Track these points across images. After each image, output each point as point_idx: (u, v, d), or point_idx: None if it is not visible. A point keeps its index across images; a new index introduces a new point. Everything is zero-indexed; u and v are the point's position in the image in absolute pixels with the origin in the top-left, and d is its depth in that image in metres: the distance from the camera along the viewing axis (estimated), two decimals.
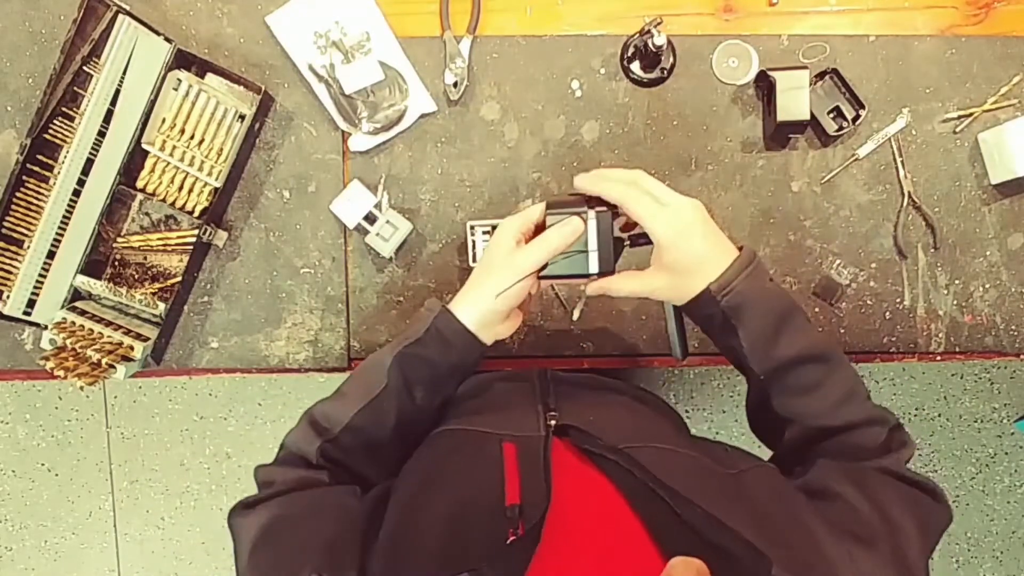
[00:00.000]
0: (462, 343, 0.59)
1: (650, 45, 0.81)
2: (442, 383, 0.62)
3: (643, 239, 0.59)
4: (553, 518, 0.42)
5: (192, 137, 0.82)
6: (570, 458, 0.51)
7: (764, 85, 0.85)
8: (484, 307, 0.58)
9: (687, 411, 1.93)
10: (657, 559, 0.40)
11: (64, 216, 0.80)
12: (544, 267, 0.57)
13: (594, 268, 0.57)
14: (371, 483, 0.56)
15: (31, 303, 0.81)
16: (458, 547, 0.43)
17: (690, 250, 0.54)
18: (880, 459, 0.55)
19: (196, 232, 0.83)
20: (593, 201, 0.57)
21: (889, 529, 0.48)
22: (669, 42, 0.84)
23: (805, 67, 0.82)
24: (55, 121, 0.79)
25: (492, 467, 0.49)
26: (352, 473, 0.59)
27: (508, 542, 0.42)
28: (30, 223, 0.80)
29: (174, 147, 0.82)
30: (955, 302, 0.89)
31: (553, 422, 0.57)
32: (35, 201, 0.80)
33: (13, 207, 0.79)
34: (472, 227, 0.84)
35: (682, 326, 0.63)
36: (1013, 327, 0.89)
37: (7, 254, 0.80)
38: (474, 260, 0.83)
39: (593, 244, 0.57)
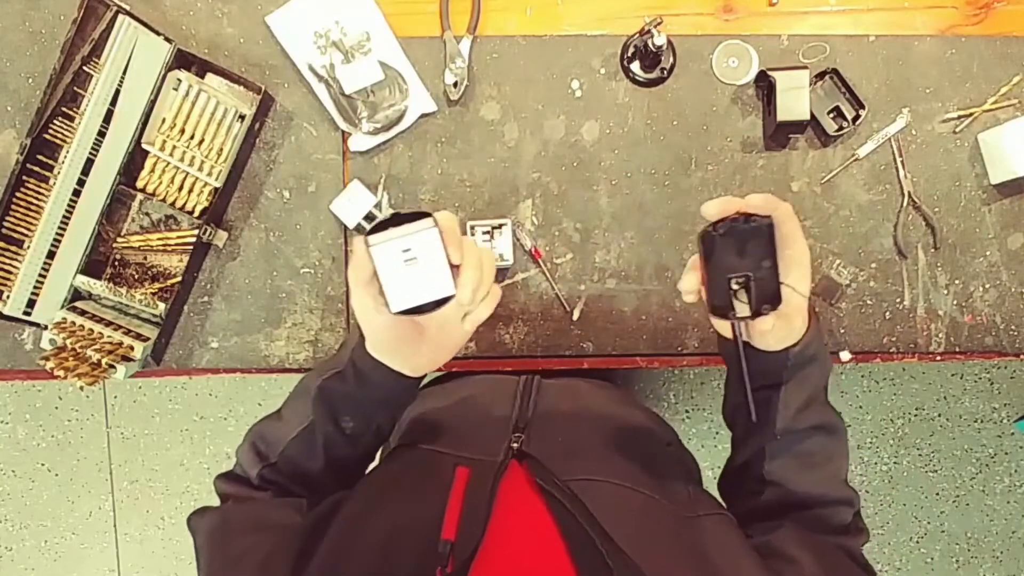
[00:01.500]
0: (380, 378, 0.53)
1: (650, 45, 0.81)
2: (371, 414, 0.57)
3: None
4: (482, 559, 0.43)
5: (192, 137, 0.82)
6: (523, 487, 0.52)
7: (764, 85, 0.85)
8: (378, 337, 0.51)
9: (687, 411, 1.93)
10: None
11: (64, 216, 0.80)
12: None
13: (447, 290, 0.45)
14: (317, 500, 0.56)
15: (31, 303, 0.81)
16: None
17: (804, 299, 0.51)
18: (843, 538, 0.56)
19: (196, 232, 0.83)
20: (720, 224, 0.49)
21: None
22: (669, 42, 0.84)
23: (805, 67, 0.82)
24: (55, 121, 0.79)
25: (439, 493, 0.49)
26: (293, 495, 0.59)
27: None
28: (30, 223, 0.80)
29: (174, 147, 0.82)
30: (955, 302, 0.89)
31: (516, 444, 0.58)
32: (35, 201, 0.80)
33: (13, 207, 0.79)
34: (472, 227, 0.84)
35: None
36: (1013, 327, 0.89)
37: (7, 254, 0.80)
38: None
39: (441, 260, 0.44)
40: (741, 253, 0.48)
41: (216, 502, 0.59)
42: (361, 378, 0.54)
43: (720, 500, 0.61)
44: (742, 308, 0.49)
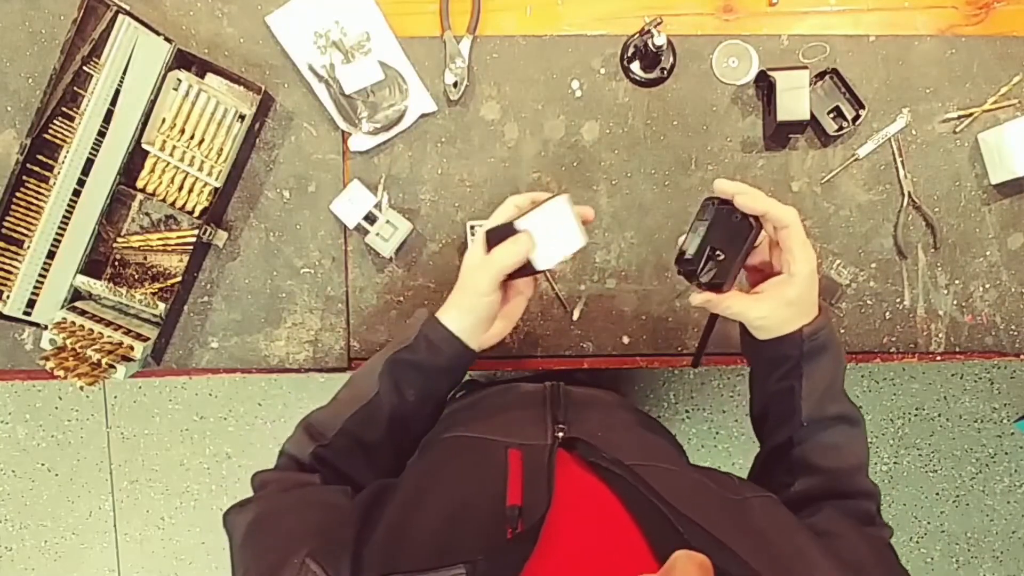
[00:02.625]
0: (450, 349, 0.61)
1: (650, 45, 0.81)
2: (433, 386, 0.63)
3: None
4: (553, 521, 0.42)
5: (192, 137, 0.82)
6: (575, 469, 0.52)
7: (764, 85, 0.85)
8: (469, 313, 0.60)
9: (687, 411, 1.93)
10: (655, 569, 0.40)
11: (64, 216, 0.80)
12: (526, 267, 0.58)
13: (580, 242, 0.59)
14: (362, 485, 0.57)
15: (31, 303, 0.81)
16: (455, 540, 0.43)
17: (812, 290, 0.56)
18: (871, 528, 0.58)
19: (196, 232, 0.83)
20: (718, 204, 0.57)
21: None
22: (669, 42, 0.84)
23: (805, 67, 0.82)
24: (55, 121, 0.79)
25: (496, 470, 0.50)
26: (343, 476, 0.60)
27: (504, 541, 0.42)
28: (30, 223, 0.80)
29: (174, 147, 0.82)
30: (955, 302, 0.89)
31: (561, 434, 0.59)
32: (35, 201, 0.80)
33: (13, 207, 0.79)
34: (472, 227, 0.84)
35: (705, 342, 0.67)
36: (1013, 327, 0.89)
37: (7, 254, 0.80)
38: None
39: (572, 223, 0.58)
40: (722, 235, 0.56)
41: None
42: (432, 348, 0.61)
43: None
44: (704, 276, 0.57)
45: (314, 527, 0.48)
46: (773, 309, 0.56)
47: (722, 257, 0.56)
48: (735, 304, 0.57)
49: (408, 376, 0.61)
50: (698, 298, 0.59)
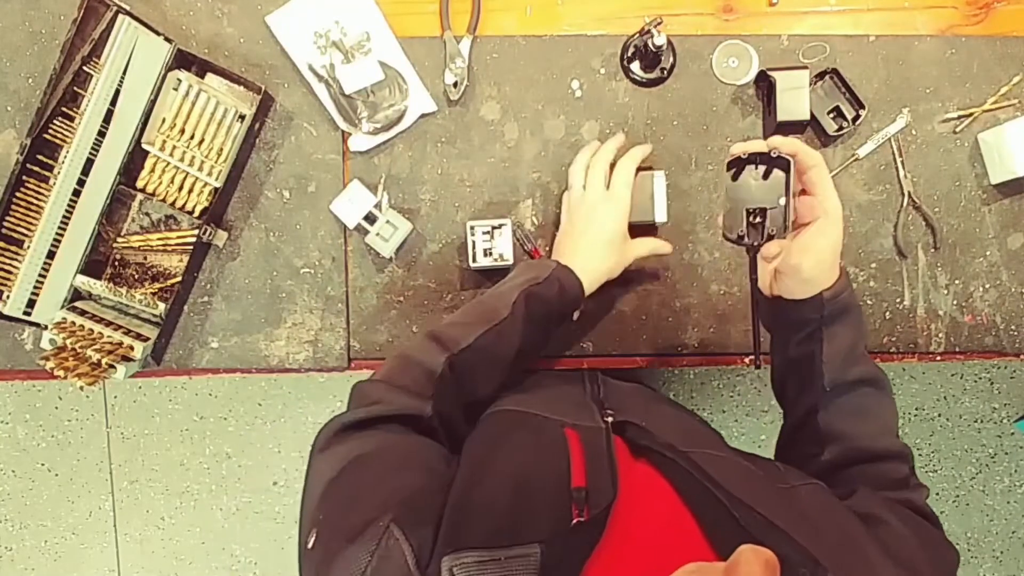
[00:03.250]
0: (575, 294, 0.71)
1: (650, 45, 0.81)
2: (551, 324, 0.71)
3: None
4: (617, 507, 0.42)
5: (192, 137, 0.82)
6: (626, 455, 0.51)
7: (764, 85, 0.85)
8: (598, 276, 0.74)
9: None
10: (711, 557, 0.40)
11: (64, 216, 0.80)
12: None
13: (661, 217, 0.74)
14: (474, 403, 0.62)
15: (31, 303, 0.81)
16: (524, 518, 0.42)
17: (837, 241, 0.58)
18: (905, 492, 0.57)
19: (196, 232, 0.83)
20: (755, 157, 0.57)
21: (931, 567, 0.50)
22: (669, 42, 0.84)
23: (805, 67, 0.82)
24: (55, 121, 0.79)
25: (557, 448, 0.49)
26: (462, 392, 0.62)
27: (573, 524, 0.41)
28: (30, 223, 0.80)
29: (174, 147, 0.82)
30: (955, 302, 0.89)
31: (610, 418, 0.58)
32: (35, 201, 0.80)
33: (13, 207, 0.79)
34: (472, 227, 0.84)
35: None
36: (1013, 327, 0.89)
37: (7, 254, 0.80)
38: (474, 260, 0.83)
39: (661, 197, 0.71)
40: (760, 184, 0.56)
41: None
42: (562, 290, 0.70)
43: None
44: (754, 236, 0.56)
45: (408, 492, 0.46)
46: (819, 254, 0.57)
47: (771, 207, 0.56)
48: (792, 256, 0.58)
49: (536, 308, 0.67)
50: (772, 247, 0.57)
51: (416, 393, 0.58)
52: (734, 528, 0.42)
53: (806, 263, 0.57)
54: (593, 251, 0.75)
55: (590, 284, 0.73)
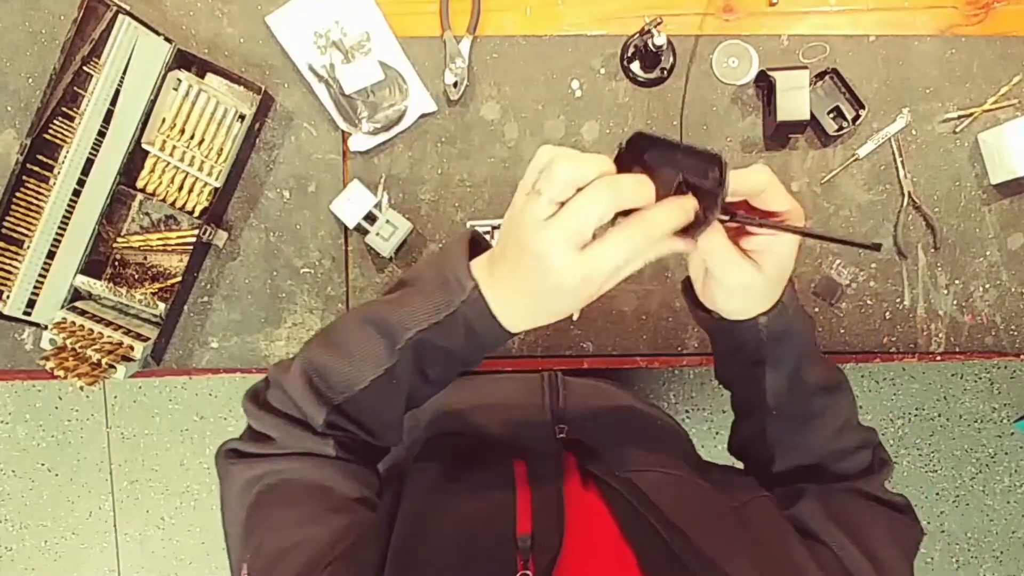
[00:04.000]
0: (492, 335, 0.46)
1: (650, 45, 0.81)
2: (462, 364, 0.52)
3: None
4: (561, 562, 0.42)
5: (192, 137, 0.82)
6: (575, 482, 0.51)
7: (764, 85, 0.85)
8: (535, 317, 0.44)
9: (687, 411, 1.93)
10: None
11: (64, 216, 0.80)
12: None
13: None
14: (375, 449, 0.55)
15: (31, 303, 0.81)
16: (469, 574, 0.42)
17: (787, 268, 0.46)
18: (860, 481, 0.55)
19: (196, 232, 0.83)
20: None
21: (877, 569, 0.49)
22: (669, 42, 0.84)
23: (805, 67, 0.82)
24: (55, 121, 0.79)
25: (501, 488, 0.48)
26: (355, 440, 0.53)
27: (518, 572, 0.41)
28: (30, 223, 0.80)
29: (174, 147, 0.82)
30: (955, 302, 0.89)
31: (563, 435, 0.57)
32: (35, 201, 0.80)
33: (13, 207, 0.79)
34: (472, 227, 0.84)
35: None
36: (1013, 327, 0.89)
37: (7, 254, 0.80)
38: None
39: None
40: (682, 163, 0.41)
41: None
42: (472, 336, 0.46)
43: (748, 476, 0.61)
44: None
45: (338, 536, 0.45)
46: (745, 298, 0.47)
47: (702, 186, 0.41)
48: (728, 251, 0.43)
49: (433, 357, 0.49)
50: (703, 240, 0.43)
51: (311, 431, 0.51)
52: (672, 566, 0.42)
53: (730, 305, 0.48)
54: (527, 286, 0.43)
55: (519, 325, 0.45)
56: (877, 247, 0.43)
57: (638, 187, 0.39)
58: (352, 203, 0.83)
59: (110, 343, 0.81)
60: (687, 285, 0.52)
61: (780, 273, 0.45)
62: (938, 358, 0.90)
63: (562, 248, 0.38)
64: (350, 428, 0.51)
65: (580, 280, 0.39)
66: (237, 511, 0.50)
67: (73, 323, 0.81)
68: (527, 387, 0.71)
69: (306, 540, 0.46)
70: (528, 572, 0.41)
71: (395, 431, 0.55)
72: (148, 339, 0.83)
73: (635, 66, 0.85)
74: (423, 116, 0.86)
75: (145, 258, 0.87)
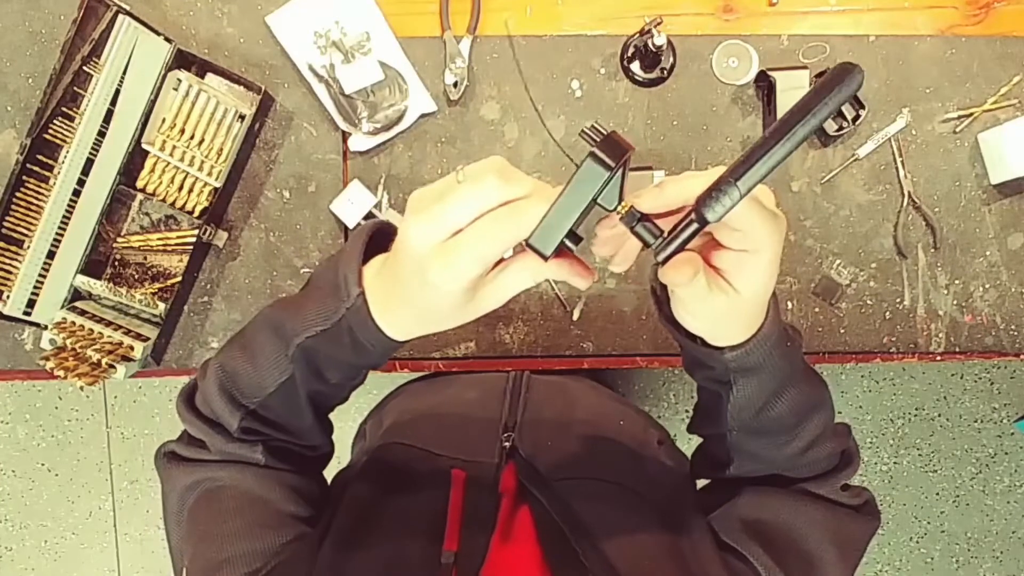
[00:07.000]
0: (379, 345, 0.43)
1: (650, 45, 0.81)
2: (357, 372, 0.50)
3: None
4: (486, 571, 0.44)
5: (192, 137, 0.82)
6: (511, 496, 0.53)
7: (764, 85, 0.85)
8: (420, 326, 0.41)
9: (687, 411, 1.93)
10: None
11: (64, 216, 0.80)
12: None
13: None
14: (309, 457, 0.56)
15: (31, 303, 0.81)
16: None
17: (766, 287, 0.38)
18: (812, 483, 0.53)
19: (196, 232, 0.83)
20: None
21: (806, 567, 0.49)
22: (669, 42, 0.84)
23: (805, 67, 0.82)
24: (55, 121, 0.79)
25: (435, 500, 0.50)
26: (287, 445, 0.54)
27: None
28: (30, 223, 0.80)
29: (174, 147, 0.82)
30: (955, 302, 0.89)
31: (507, 444, 0.59)
32: (35, 201, 0.80)
33: (13, 207, 0.79)
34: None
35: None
36: (1013, 327, 0.89)
37: (7, 254, 0.80)
38: None
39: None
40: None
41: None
42: (357, 345, 0.44)
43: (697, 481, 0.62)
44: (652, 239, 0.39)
45: (270, 555, 0.47)
46: (709, 322, 0.41)
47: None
48: (696, 278, 0.36)
49: (327, 364, 0.47)
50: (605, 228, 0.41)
51: (232, 436, 0.51)
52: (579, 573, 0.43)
53: (703, 332, 0.42)
54: (400, 288, 0.39)
55: (405, 332, 0.42)
56: None
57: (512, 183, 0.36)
58: (352, 203, 0.83)
59: (110, 343, 0.81)
60: (654, 289, 0.46)
61: (757, 294, 0.38)
62: (938, 358, 0.90)
63: (421, 235, 0.35)
64: (267, 432, 0.51)
65: (442, 270, 0.35)
66: (176, 514, 0.51)
67: (73, 323, 0.81)
68: (490, 390, 0.72)
69: (236, 556, 0.47)
70: None
71: (315, 433, 0.54)
72: (148, 339, 0.83)
73: (635, 66, 0.85)
74: (423, 116, 0.86)
75: (145, 258, 0.87)
